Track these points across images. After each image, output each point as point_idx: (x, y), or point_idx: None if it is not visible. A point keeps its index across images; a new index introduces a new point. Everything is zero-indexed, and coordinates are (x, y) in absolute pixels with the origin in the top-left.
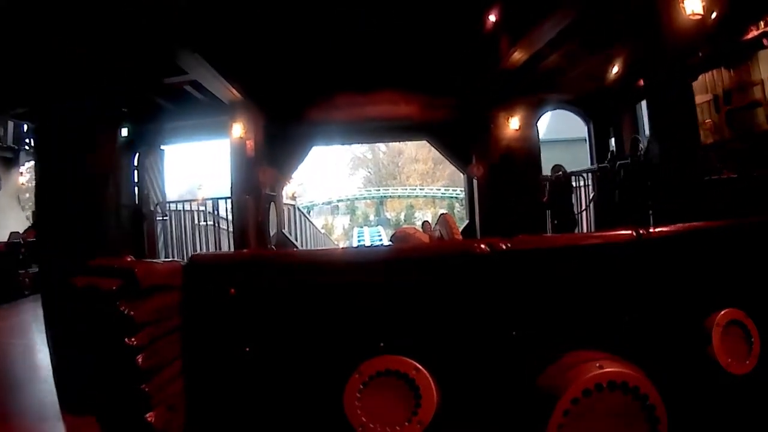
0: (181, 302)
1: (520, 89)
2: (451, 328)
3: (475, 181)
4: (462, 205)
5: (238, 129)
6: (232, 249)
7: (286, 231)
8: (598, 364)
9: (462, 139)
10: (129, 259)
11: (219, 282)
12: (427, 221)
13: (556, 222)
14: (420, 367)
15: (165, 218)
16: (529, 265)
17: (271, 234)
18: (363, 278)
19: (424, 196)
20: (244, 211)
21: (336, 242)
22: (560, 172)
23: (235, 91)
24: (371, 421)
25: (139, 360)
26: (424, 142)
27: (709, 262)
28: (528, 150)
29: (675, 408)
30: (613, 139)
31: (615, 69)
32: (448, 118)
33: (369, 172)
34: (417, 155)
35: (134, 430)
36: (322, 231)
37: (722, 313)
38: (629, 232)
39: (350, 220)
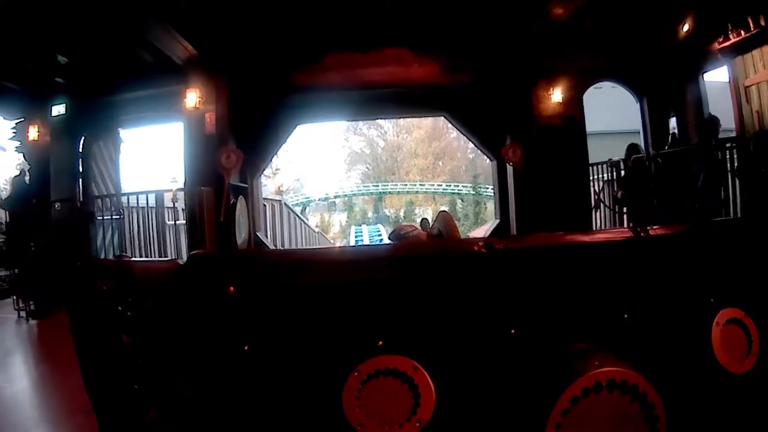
0: (179, 301)
1: (564, 53)
2: (450, 327)
3: (509, 169)
4: (464, 202)
5: (192, 97)
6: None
7: (263, 234)
8: (597, 363)
9: (490, 114)
10: (125, 259)
11: (217, 280)
12: (426, 219)
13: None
14: (418, 365)
15: (119, 216)
16: (526, 264)
17: (240, 239)
18: (361, 277)
19: (425, 192)
20: (198, 208)
21: (332, 241)
22: (641, 154)
23: (188, 45)
24: (370, 420)
25: (136, 359)
26: (425, 137)
27: (708, 261)
28: (573, 130)
29: (674, 407)
30: (674, 119)
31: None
32: (473, 86)
33: (367, 168)
34: (417, 150)
35: (132, 429)
36: (317, 230)
37: (721, 311)
38: (628, 231)
39: (348, 217)
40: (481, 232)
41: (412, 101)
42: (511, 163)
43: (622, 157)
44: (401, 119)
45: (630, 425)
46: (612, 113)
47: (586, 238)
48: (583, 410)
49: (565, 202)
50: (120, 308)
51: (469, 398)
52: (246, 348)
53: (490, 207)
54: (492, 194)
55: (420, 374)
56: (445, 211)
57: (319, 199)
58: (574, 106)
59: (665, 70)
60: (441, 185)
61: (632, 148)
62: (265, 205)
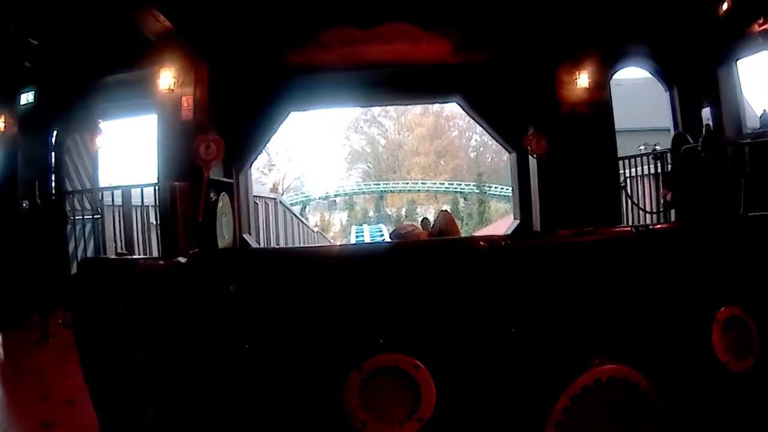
0: (180, 300)
1: (589, 33)
2: (451, 325)
3: (532, 162)
4: (467, 201)
5: (167, 78)
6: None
7: (254, 235)
8: (597, 361)
9: (510, 100)
10: (128, 257)
11: (219, 279)
12: (427, 218)
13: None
14: (419, 363)
15: (96, 216)
16: (527, 262)
17: (222, 242)
18: (362, 275)
19: (427, 190)
20: (171, 206)
21: (332, 241)
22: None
23: (162, 18)
24: (371, 419)
25: (136, 358)
26: (426, 135)
27: (707, 260)
28: (601, 119)
29: (674, 405)
30: (707, 110)
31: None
32: (491, 67)
33: (368, 166)
34: (418, 148)
35: (133, 427)
36: (316, 229)
37: (721, 310)
38: (628, 229)
39: (348, 216)
40: (488, 232)
41: (419, 85)
42: (534, 155)
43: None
44: (403, 115)
45: (630, 422)
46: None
47: (586, 237)
48: (584, 408)
49: (595, 199)
50: (121, 306)
51: (469, 396)
52: (246, 346)
53: (494, 206)
54: (498, 193)
55: (421, 372)
56: (445, 210)
57: (319, 198)
58: (601, 92)
59: (698, 55)
60: (443, 184)
61: (680, 138)
62: (257, 204)
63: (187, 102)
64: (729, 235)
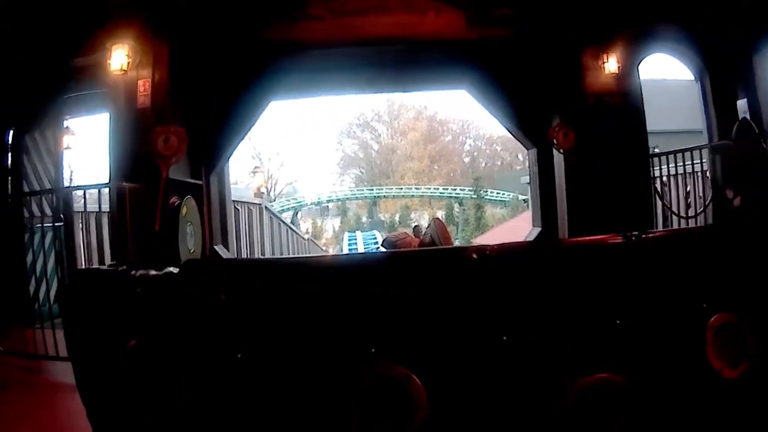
0: (174, 308)
1: (619, 12)
2: (442, 334)
3: (558, 159)
4: (463, 206)
5: (119, 57)
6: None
7: (232, 246)
8: (589, 370)
9: (531, 85)
10: (122, 267)
11: (210, 288)
12: (419, 225)
13: None
14: (410, 373)
15: (59, 223)
16: (518, 270)
17: (186, 254)
18: (353, 284)
19: (421, 195)
20: (118, 211)
21: (324, 249)
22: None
23: None
24: (361, 428)
25: (132, 366)
26: (420, 139)
27: (700, 266)
28: (630, 109)
29: (669, 412)
30: (743, 101)
31: None
32: (511, 46)
33: (361, 171)
34: (412, 153)
35: None
36: (307, 237)
37: (714, 317)
38: (618, 236)
39: (341, 223)
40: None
41: (422, 67)
42: (561, 150)
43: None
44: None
45: (623, 430)
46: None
47: (577, 243)
48: (577, 416)
49: (628, 201)
50: (115, 316)
51: (460, 406)
52: (239, 356)
53: (491, 211)
54: (495, 198)
55: (412, 381)
56: (437, 218)
57: (311, 204)
58: (629, 79)
59: (735, 41)
60: (438, 189)
61: (745, 127)
62: (238, 210)
63: (143, 86)
64: (721, 241)
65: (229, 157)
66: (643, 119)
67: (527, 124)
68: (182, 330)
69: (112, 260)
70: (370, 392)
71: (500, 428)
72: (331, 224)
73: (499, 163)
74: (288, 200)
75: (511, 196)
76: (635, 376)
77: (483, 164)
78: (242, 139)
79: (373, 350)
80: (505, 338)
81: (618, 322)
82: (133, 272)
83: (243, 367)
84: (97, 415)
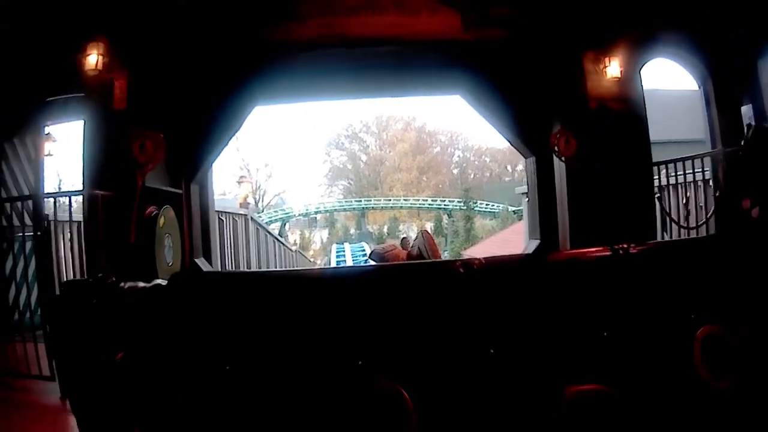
0: (164, 320)
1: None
2: (429, 346)
3: (559, 167)
4: (452, 218)
5: (94, 57)
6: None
7: (216, 258)
8: (576, 380)
9: (528, 91)
10: (112, 279)
11: (200, 301)
12: (406, 238)
13: None
14: (397, 385)
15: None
16: (504, 283)
17: (165, 268)
18: (342, 297)
19: (410, 207)
20: (90, 221)
21: (311, 261)
22: None
23: None
24: None
25: (124, 376)
26: (408, 151)
27: (686, 278)
28: (632, 115)
29: (659, 423)
30: (747, 107)
31: None
32: (509, 48)
33: (349, 183)
34: (400, 164)
35: None
36: (294, 248)
37: (702, 328)
38: (605, 249)
39: (329, 234)
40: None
41: (417, 70)
42: (563, 158)
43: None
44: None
45: None
46: None
47: (564, 257)
48: (564, 426)
49: (631, 211)
50: (105, 327)
51: (448, 417)
52: (227, 368)
53: (480, 223)
54: (484, 209)
55: (399, 393)
56: (425, 230)
57: (299, 215)
58: (631, 84)
59: (739, 45)
60: (426, 200)
61: (763, 132)
62: (222, 220)
63: (119, 88)
64: (707, 253)
65: (212, 165)
66: (645, 126)
67: (525, 131)
68: (171, 342)
69: (88, 274)
70: (358, 404)
71: None
72: (319, 236)
73: (488, 174)
74: (276, 211)
75: (501, 208)
76: (624, 387)
77: (472, 175)
78: (225, 145)
79: (360, 362)
80: (492, 351)
81: (605, 334)
82: (122, 284)
83: (231, 380)
84: (88, 424)
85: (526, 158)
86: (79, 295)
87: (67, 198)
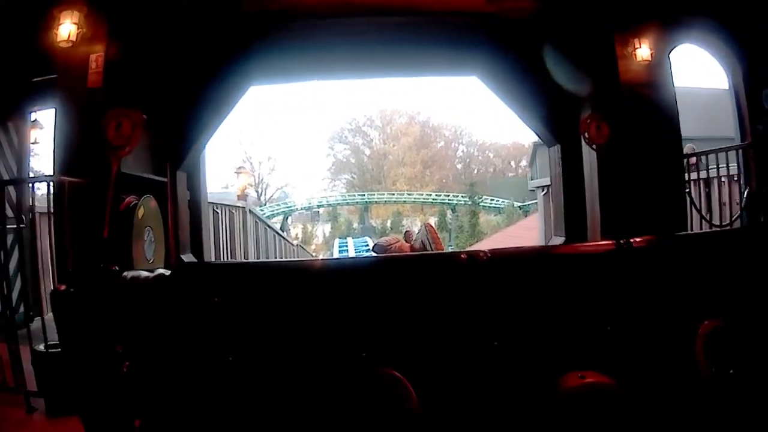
0: (166, 310)
1: None
2: (433, 338)
3: (589, 156)
4: (456, 213)
5: (68, 27)
6: None
7: (212, 255)
8: (579, 375)
9: (555, 72)
10: (115, 268)
11: (203, 291)
12: (409, 231)
13: None
14: (401, 376)
15: (22, 226)
16: (509, 276)
17: (145, 264)
18: (345, 288)
19: (413, 201)
20: (57, 211)
21: (313, 256)
22: None
23: None
24: (353, 430)
25: (125, 366)
26: (412, 145)
27: (689, 273)
28: (662, 101)
29: (659, 416)
30: None
31: None
32: (531, 25)
33: (352, 177)
34: (404, 158)
35: None
36: (296, 243)
37: (704, 323)
38: (610, 243)
39: (332, 228)
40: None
41: (430, 45)
42: (594, 146)
43: None
44: (389, 125)
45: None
46: None
47: (569, 250)
48: (567, 420)
49: (663, 204)
50: (107, 317)
51: (451, 409)
52: (230, 358)
53: (485, 218)
54: (489, 205)
55: (402, 385)
56: (428, 223)
57: (302, 209)
58: (661, 68)
59: None
60: (431, 195)
61: None
62: (217, 213)
63: (95, 62)
64: (709, 249)
65: (202, 150)
66: (676, 114)
67: (551, 116)
68: (173, 332)
69: (57, 272)
70: (361, 395)
71: (492, 430)
72: (322, 230)
73: (491, 170)
74: (278, 205)
75: (506, 203)
76: (626, 380)
77: (475, 171)
78: (216, 128)
79: (363, 354)
80: (496, 343)
81: (609, 328)
82: (124, 274)
83: (234, 370)
84: (88, 417)
85: (549, 147)
86: (79, 285)
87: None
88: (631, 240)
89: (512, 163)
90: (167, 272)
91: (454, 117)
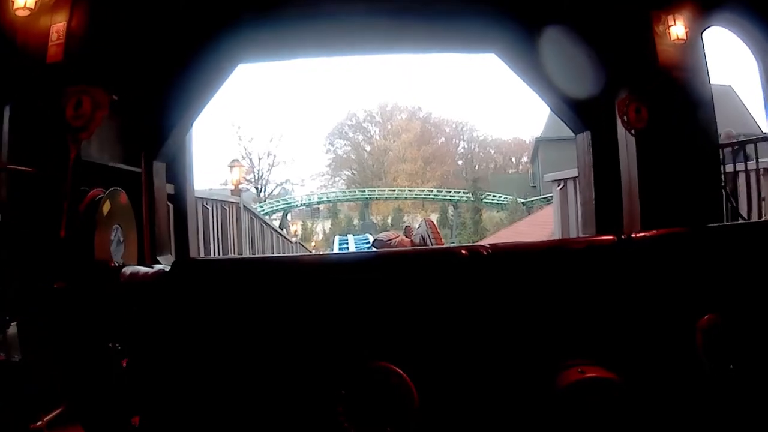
0: (166, 307)
1: None
2: (434, 334)
3: (625, 143)
4: (458, 209)
5: None
6: None
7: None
8: (580, 370)
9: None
10: (113, 264)
11: (203, 287)
12: (409, 226)
13: None
14: (402, 373)
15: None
16: (510, 271)
17: (118, 268)
18: (345, 283)
19: (414, 197)
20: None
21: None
22: None
23: None
24: (353, 427)
25: (124, 364)
26: (413, 141)
27: (689, 267)
28: (697, 84)
29: (660, 411)
30: None
31: None
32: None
33: (353, 173)
34: (405, 154)
35: None
36: (294, 240)
37: (705, 318)
38: (611, 236)
39: (332, 225)
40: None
41: (443, 17)
42: (633, 132)
43: None
44: (389, 121)
45: (614, 428)
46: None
47: (569, 244)
48: (567, 416)
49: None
50: (106, 314)
51: (451, 406)
52: (232, 354)
53: (487, 215)
54: (492, 201)
55: (403, 382)
56: (428, 218)
57: (301, 205)
58: (695, 49)
59: None
60: (432, 191)
61: None
62: (207, 208)
63: (56, 33)
64: (709, 243)
65: (184, 137)
66: (710, 97)
67: (579, 98)
68: (169, 330)
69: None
70: (360, 391)
71: (493, 427)
72: (322, 226)
73: (492, 166)
74: (278, 201)
75: (509, 200)
76: (628, 374)
77: (476, 167)
78: (199, 112)
79: (362, 351)
80: (499, 338)
81: (614, 321)
82: (123, 270)
83: (233, 366)
84: (85, 415)
85: (576, 133)
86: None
87: None
88: (632, 234)
89: (513, 159)
90: (167, 268)
91: (455, 113)
